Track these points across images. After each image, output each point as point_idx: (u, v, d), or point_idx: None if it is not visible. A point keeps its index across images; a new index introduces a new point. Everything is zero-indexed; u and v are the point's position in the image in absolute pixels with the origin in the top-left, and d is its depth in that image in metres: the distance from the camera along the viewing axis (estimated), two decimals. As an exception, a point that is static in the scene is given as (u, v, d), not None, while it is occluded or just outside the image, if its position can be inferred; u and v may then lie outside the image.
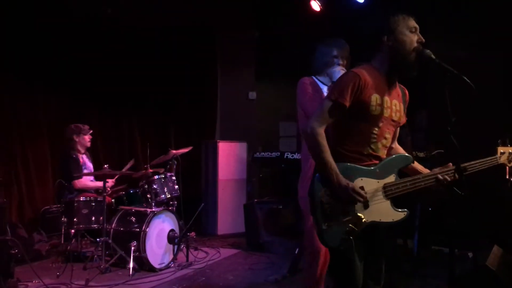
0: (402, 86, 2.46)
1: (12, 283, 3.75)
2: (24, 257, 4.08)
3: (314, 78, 3.29)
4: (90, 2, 5.84)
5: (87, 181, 5.22)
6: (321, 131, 2.19)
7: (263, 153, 6.27)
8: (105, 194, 4.59)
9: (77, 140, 5.23)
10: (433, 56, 2.21)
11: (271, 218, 5.69)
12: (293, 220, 5.55)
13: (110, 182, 5.30)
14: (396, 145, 2.55)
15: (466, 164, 2.35)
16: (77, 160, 5.15)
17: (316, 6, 5.97)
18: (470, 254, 4.59)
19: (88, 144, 5.37)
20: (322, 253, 3.11)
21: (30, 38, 5.56)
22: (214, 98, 7.24)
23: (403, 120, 2.43)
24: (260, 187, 6.88)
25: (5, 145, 5.41)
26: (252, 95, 7.22)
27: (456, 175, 2.30)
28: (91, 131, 5.38)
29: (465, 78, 2.12)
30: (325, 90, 3.24)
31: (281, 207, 5.81)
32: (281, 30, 6.65)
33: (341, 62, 3.23)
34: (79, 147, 5.27)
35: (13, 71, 5.48)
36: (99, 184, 5.09)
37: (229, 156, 6.60)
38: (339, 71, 3.13)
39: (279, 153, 6.13)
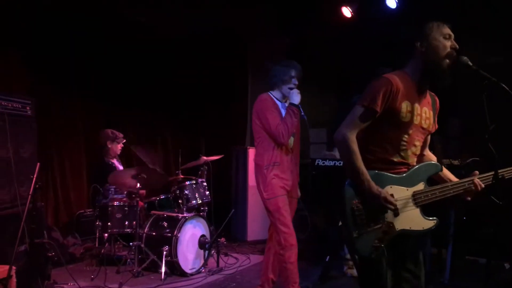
0: (432, 93, 2.44)
1: (49, 285, 3.85)
2: (60, 259, 4.18)
3: (270, 94, 3.72)
4: (124, 10, 5.97)
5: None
6: (353, 138, 2.19)
7: (293, 160, 6.25)
8: (138, 199, 4.67)
9: (110, 146, 5.35)
10: (470, 63, 2.19)
11: (300, 224, 5.66)
12: (324, 227, 5.51)
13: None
14: (427, 153, 2.54)
15: (507, 169, 2.33)
16: (111, 166, 5.26)
17: (347, 12, 5.96)
18: (507, 265, 4.47)
19: (119, 152, 5.49)
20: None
21: (67, 45, 5.72)
22: (244, 104, 7.28)
23: (433, 128, 2.41)
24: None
25: (43, 150, 5.57)
26: (282, 101, 7.22)
27: (482, 185, 2.29)
28: (124, 140, 5.50)
29: (503, 85, 2.08)
30: (280, 105, 3.67)
31: (311, 213, 5.77)
32: (312, 37, 6.64)
33: (296, 82, 3.66)
34: (111, 153, 5.38)
35: (51, 79, 5.64)
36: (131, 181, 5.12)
37: (259, 163, 6.60)
38: (296, 92, 3.60)
39: (310, 160, 6.11)
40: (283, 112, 3.63)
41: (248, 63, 7.29)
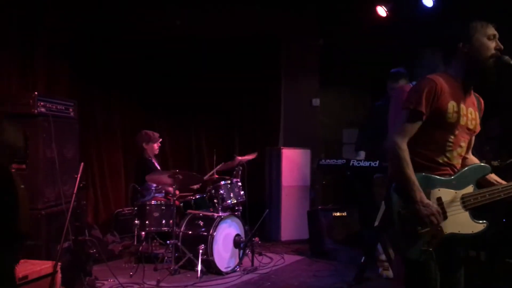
0: (476, 94, 2.40)
1: (90, 281, 3.98)
2: (101, 256, 4.32)
3: None
4: (160, 14, 6.10)
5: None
6: (404, 146, 2.17)
7: (328, 160, 6.23)
8: (174, 198, 4.77)
9: (146, 147, 5.47)
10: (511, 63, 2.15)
11: (335, 225, 5.66)
12: (358, 228, 5.49)
13: None
14: (470, 155, 2.48)
15: None
16: (151, 162, 5.38)
17: (382, 11, 5.89)
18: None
19: (156, 152, 5.59)
20: None
21: (106, 51, 5.90)
22: (278, 105, 7.31)
23: (478, 128, 2.37)
24: (323, 194, 6.86)
25: (83, 150, 5.75)
26: (316, 101, 7.21)
27: None
28: (161, 139, 5.60)
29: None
30: None
31: (345, 214, 5.77)
32: (346, 36, 6.61)
33: None
34: (149, 153, 5.50)
35: (92, 83, 5.85)
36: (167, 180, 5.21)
37: (292, 163, 6.63)
38: None
39: (344, 161, 6.06)
40: None
41: (281, 64, 7.31)
